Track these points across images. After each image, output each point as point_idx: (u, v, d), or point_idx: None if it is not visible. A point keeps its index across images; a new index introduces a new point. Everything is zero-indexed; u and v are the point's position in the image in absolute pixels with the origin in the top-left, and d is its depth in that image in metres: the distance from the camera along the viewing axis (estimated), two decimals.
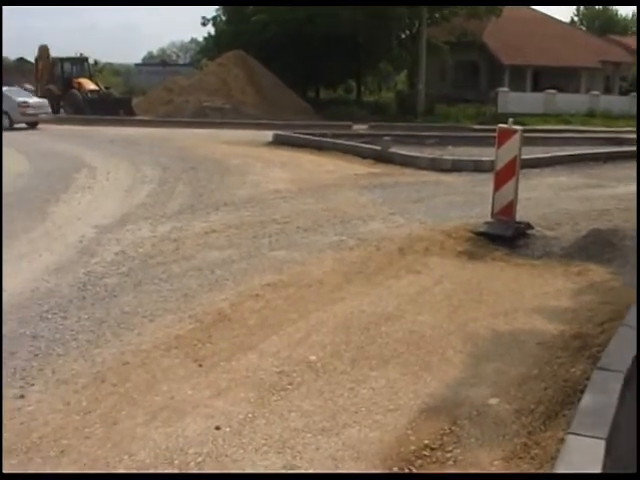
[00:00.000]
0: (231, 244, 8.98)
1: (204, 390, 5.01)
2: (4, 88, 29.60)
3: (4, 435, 4.39)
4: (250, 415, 4.66)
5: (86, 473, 4.00)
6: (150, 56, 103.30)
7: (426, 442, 4.35)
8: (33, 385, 5.09)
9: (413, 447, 4.30)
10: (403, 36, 42.61)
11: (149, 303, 6.76)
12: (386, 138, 18.50)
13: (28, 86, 39.98)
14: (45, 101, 31.29)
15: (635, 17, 29.37)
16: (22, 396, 4.92)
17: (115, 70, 72.02)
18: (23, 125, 28.51)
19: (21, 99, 29.27)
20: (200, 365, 5.40)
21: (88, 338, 5.91)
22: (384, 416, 4.68)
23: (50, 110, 30.93)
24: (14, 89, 32.21)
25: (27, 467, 4.08)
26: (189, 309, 6.59)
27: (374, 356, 5.62)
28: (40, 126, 28.70)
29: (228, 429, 4.48)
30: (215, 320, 6.31)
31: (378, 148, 17.82)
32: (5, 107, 27.86)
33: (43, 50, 40.61)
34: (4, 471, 3.92)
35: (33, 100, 30.62)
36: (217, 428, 4.49)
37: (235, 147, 20.53)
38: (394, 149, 17.71)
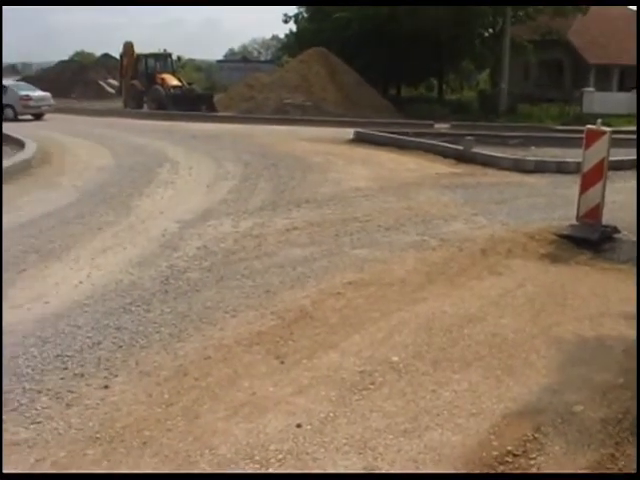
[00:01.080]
0: (313, 241, 8.98)
1: (285, 387, 4.99)
2: (10, 82, 31.39)
3: (89, 424, 4.46)
4: (331, 414, 4.63)
5: (86, 473, 3.99)
6: (231, 53, 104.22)
7: (509, 448, 4.26)
8: (117, 376, 5.15)
9: (495, 453, 4.21)
10: (486, 34, 42.18)
11: (231, 298, 6.78)
12: (468, 138, 18.26)
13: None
14: (47, 94, 33.59)
15: None
16: (106, 386, 4.99)
17: (197, 66, 72.89)
18: (29, 117, 31.12)
19: (23, 93, 31.77)
20: (282, 362, 5.40)
21: (171, 331, 5.96)
22: (466, 420, 4.60)
23: (53, 102, 33.61)
24: (22, 84, 34.82)
25: (111, 456, 4.13)
26: (271, 305, 6.59)
27: (456, 358, 5.54)
28: (123, 121, 29.25)
29: (309, 427, 4.46)
30: (297, 317, 6.31)
31: (460, 148, 17.62)
32: (9, 100, 30.46)
33: (128, 46, 41.40)
34: (4, 471, 3.92)
35: (36, 93, 32.85)
36: (298, 426, 4.47)
37: (316, 144, 20.55)
38: (476, 149, 17.49)
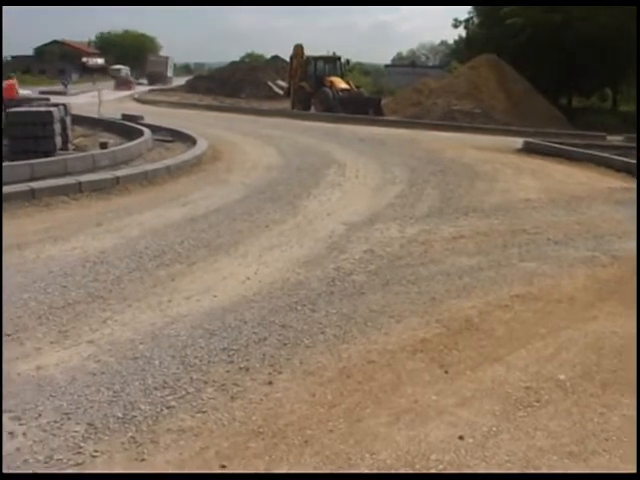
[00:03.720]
0: (480, 251, 8.85)
1: (449, 397, 4.93)
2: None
3: (252, 418, 4.54)
4: (494, 428, 4.53)
5: (86, 473, 3.99)
6: (399, 57, 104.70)
7: None
8: (281, 373, 5.22)
9: None
10: None
11: (396, 304, 6.76)
12: None
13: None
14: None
15: None
16: (270, 382, 5.06)
17: (365, 70, 73.41)
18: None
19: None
20: (446, 371, 5.34)
21: (335, 333, 6.00)
22: (636, 448, 4.40)
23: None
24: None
25: (272, 452, 4.18)
26: (436, 313, 6.54)
27: (627, 382, 5.30)
28: (289, 122, 29.84)
29: (471, 440, 4.38)
30: (462, 327, 6.22)
31: (634, 161, 16.97)
32: None
33: (298, 49, 42.11)
34: (4, 471, 3.94)
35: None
36: (460, 438, 4.40)
37: (484, 152, 20.30)
38: None
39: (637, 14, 29.19)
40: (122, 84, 67.56)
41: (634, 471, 4.12)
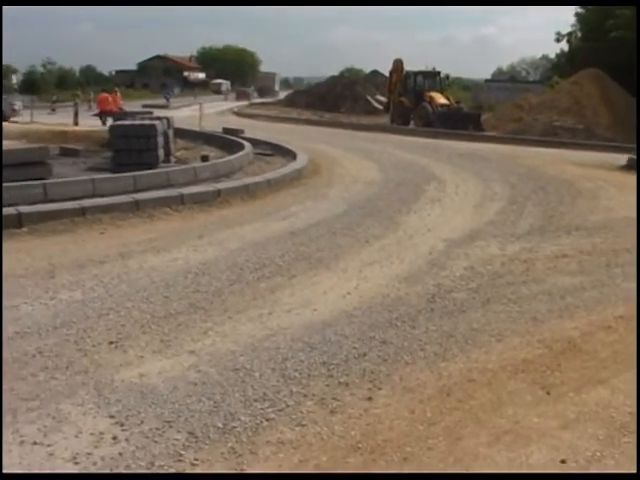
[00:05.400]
0: (582, 270, 8.66)
1: (551, 419, 4.83)
2: None
3: (351, 433, 4.54)
4: (598, 453, 4.41)
5: (86, 473, 4.00)
6: (499, 72, 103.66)
7: None
8: (380, 389, 5.20)
9: None
10: None
11: (497, 322, 6.68)
12: None
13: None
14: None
15: None
16: (370, 398, 5.05)
17: (464, 85, 72.93)
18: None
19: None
20: (547, 393, 5.23)
21: (435, 350, 5.96)
22: None
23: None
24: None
25: (371, 468, 4.17)
26: (537, 333, 6.42)
27: None
28: (388, 137, 29.89)
29: (574, 464, 4.28)
30: (564, 348, 6.09)
31: None
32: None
33: (398, 63, 42.24)
34: (4, 471, 3.96)
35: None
36: (562, 461, 4.30)
37: (586, 169, 19.91)
38: None
39: (637, 14, 28.55)
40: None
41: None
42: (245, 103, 68.56)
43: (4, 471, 3.96)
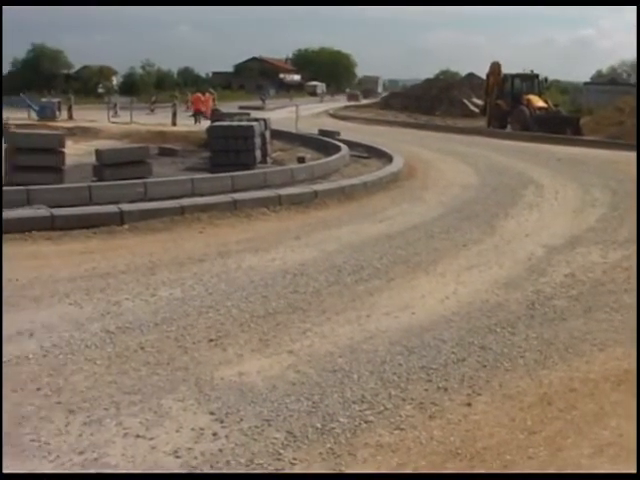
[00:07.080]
0: None
1: None
2: None
3: (450, 438, 4.51)
4: None
5: (86, 473, 3.97)
6: (599, 75, 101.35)
7: None
8: (480, 395, 5.17)
9: None
10: None
11: (599, 331, 6.54)
12: None
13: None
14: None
15: None
16: (469, 404, 5.02)
17: (562, 88, 71.63)
18: None
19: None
20: None
21: (535, 358, 5.88)
22: None
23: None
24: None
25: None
26: None
27: None
28: (484, 140, 29.68)
29: None
30: None
31: None
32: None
33: (495, 66, 41.73)
34: (4, 471, 3.93)
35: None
36: None
37: None
38: None
39: (637, 14, 27.63)
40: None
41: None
42: (344, 105, 71.51)
43: (4, 471, 3.96)
